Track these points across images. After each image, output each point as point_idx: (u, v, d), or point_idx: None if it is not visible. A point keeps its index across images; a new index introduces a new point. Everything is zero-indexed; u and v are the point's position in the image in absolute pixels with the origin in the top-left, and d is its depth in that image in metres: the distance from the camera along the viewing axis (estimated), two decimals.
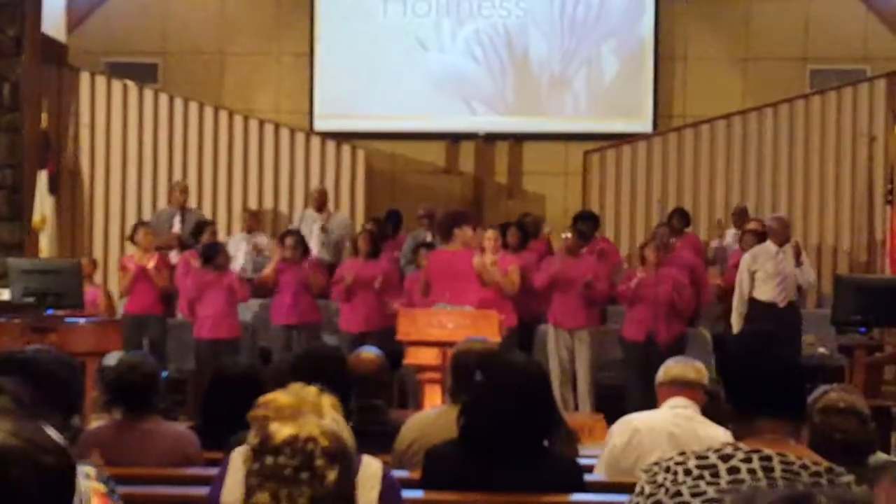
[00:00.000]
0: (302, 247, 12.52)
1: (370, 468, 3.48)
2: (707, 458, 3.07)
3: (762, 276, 11.73)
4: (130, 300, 12.54)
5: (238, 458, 3.96)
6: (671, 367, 5.64)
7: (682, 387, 5.52)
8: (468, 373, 4.97)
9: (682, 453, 3.15)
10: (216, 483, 3.96)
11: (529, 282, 11.91)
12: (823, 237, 14.62)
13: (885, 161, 14.28)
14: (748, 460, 3.02)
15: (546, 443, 4.58)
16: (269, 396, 2.75)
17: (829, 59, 15.66)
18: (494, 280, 11.50)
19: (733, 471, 3.01)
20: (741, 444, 3.09)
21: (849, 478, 3.01)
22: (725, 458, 3.04)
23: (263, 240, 14.08)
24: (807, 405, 4.02)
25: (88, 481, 3.05)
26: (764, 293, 11.72)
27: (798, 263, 11.70)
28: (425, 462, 4.67)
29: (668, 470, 3.09)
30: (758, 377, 3.23)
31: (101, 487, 3.08)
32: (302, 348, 10.70)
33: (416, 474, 4.84)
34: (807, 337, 12.16)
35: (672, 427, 5.38)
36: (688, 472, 3.05)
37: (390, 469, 3.92)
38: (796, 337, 11.60)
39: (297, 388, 2.78)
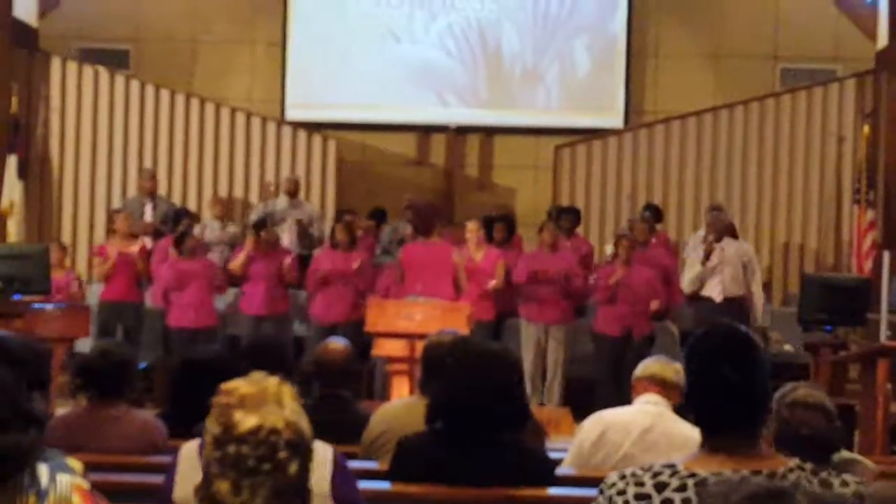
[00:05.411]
0: (274, 237, 12.52)
1: (320, 454, 3.47)
2: (644, 484, 3.03)
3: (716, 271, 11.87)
4: (108, 287, 12.45)
5: (187, 454, 3.95)
6: (651, 365, 5.64)
7: (658, 385, 5.51)
8: (438, 365, 4.97)
9: (623, 476, 3.07)
10: (167, 479, 3.94)
11: (510, 277, 11.98)
12: (791, 236, 14.67)
13: (853, 161, 14.35)
14: (682, 488, 2.98)
15: (515, 435, 4.58)
16: (232, 385, 2.73)
17: (799, 58, 15.71)
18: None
19: (667, 503, 2.98)
20: (680, 467, 3.04)
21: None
22: (660, 488, 3.01)
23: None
24: (771, 401, 4.03)
25: (73, 476, 3.01)
26: (705, 289, 11.84)
27: (703, 260, 11.77)
28: (396, 452, 4.66)
29: (610, 501, 3.04)
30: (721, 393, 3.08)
31: (84, 484, 3.05)
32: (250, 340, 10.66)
33: (384, 465, 4.84)
34: (773, 334, 12.23)
35: (644, 423, 5.38)
36: None
37: (343, 455, 3.91)
38: None
39: (258, 377, 2.76)
